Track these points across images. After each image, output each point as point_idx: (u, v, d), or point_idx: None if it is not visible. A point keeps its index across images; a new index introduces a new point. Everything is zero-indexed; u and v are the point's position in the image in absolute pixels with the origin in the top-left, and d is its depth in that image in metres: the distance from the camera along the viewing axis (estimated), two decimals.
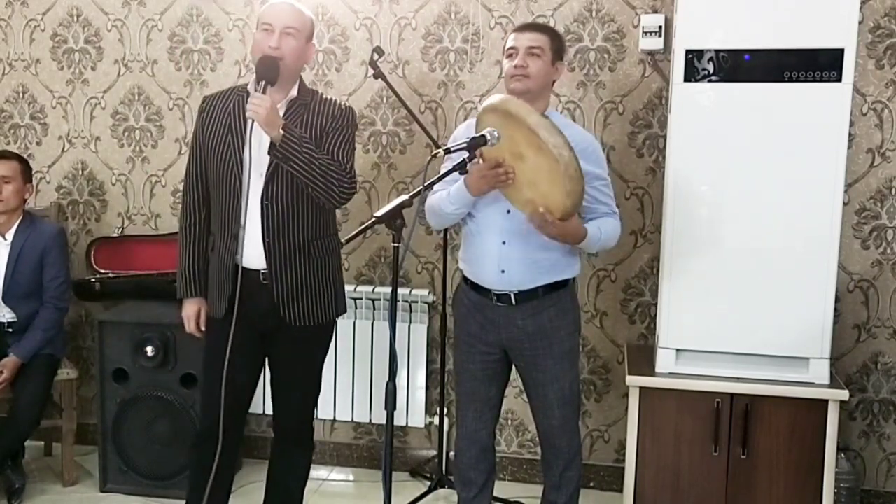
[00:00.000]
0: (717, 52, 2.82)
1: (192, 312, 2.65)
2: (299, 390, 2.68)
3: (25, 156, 3.61)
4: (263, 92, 2.38)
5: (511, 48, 2.58)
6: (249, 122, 2.39)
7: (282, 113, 2.48)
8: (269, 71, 2.42)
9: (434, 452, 3.63)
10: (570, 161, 2.27)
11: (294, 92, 2.54)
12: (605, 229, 2.56)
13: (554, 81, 2.66)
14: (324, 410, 3.65)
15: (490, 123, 2.35)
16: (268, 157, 2.42)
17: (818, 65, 2.76)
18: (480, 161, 2.42)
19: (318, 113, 2.54)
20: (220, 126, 2.54)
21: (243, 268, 2.50)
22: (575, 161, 2.28)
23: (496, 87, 3.44)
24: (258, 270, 2.51)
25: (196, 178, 2.62)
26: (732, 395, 2.88)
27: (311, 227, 2.55)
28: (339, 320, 3.58)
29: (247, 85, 2.58)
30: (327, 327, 2.68)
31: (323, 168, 2.43)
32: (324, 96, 2.61)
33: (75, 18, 3.81)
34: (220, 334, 2.56)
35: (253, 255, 2.50)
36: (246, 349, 2.52)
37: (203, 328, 2.65)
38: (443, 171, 2.43)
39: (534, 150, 2.30)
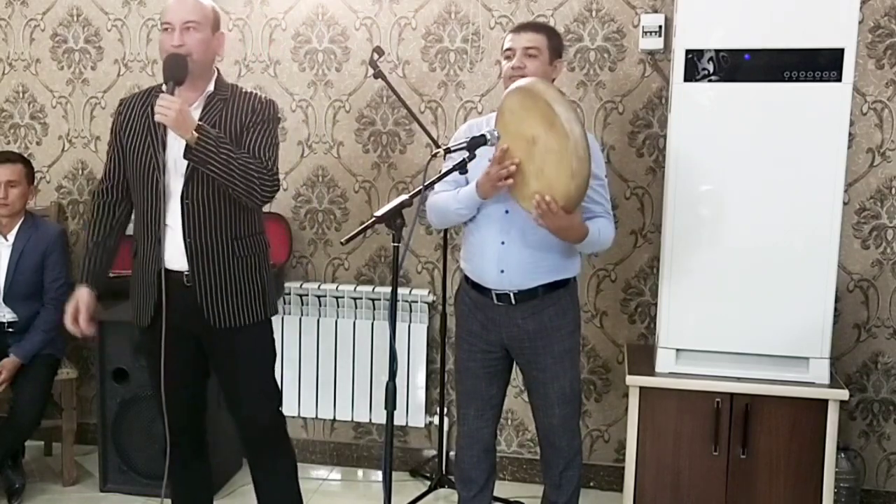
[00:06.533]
0: (717, 51, 2.82)
1: (78, 300, 2.49)
2: (252, 397, 2.57)
3: (26, 155, 3.62)
4: (172, 92, 2.30)
5: (508, 49, 2.58)
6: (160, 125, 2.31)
7: (199, 109, 2.43)
8: (175, 70, 2.33)
9: (434, 452, 3.64)
10: (579, 138, 2.26)
11: (211, 87, 2.46)
12: (602, 232, 2.55)
13: (553, 80, 2.66)
14: (324, 410, 3.66)
15: (513, 103, 2.37)
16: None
17: (818, 64, 2.76)
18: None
19: (238, 107, 2.45)
20: (138, 128, 2.46)
21: (167, 269, 2.42)
22: (584, 140, 2.27)
23: (496, 86, 3.44)
24: (181, 272, 2.44)
25: (115, 180, 2.53)
26: (732, 395, 2.88)
27: (233, 226, 2.46)
28: (340, 320, 3.64)
29: (161, 85, 2.44)
30: (261, 328, 2.58)
31: (242, 168, 2.33)
32: (243, 90, 2.52)
33: (75, 18, 3.82)
34: (151, 343, 2.47)
35: (175, 256, 2.43)
36: (181, 355, 2.47)
37: (83, 327, 2.48)
38: (443, 170, 2.44)
39: (546, 127, 2.30)
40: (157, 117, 2.26)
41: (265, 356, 2.62)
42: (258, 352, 2.59)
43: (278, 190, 2.49)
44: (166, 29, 2.40)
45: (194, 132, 2.26)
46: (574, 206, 2.37)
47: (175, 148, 2.37)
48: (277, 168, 2.48)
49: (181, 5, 2.40)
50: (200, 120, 2.35)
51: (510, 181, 2.40)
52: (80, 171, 3.89)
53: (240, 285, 2.49)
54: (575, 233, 2.45)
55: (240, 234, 2.49)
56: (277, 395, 2.65)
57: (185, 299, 2.43)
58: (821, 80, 2.77)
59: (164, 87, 2.36)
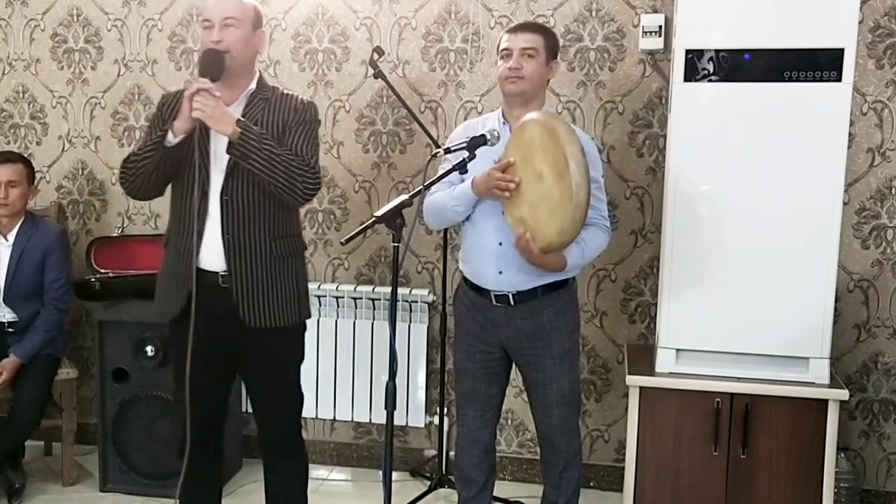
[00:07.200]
0: (717, 51, 2.82)
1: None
2: (277, 401, 2.57)
3: (26, 155, 3.61)
4: None
5: (505, 49, 2.58)
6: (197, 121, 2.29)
7: (241, 107, 2.42)
8: (212, 65, 2.33)
9: (434, 452, 3.63)
10: (580, 204, 2.29)
11: (253, 85, 2.46)
12: (588, 249, 2.55)
13: (549, 80, 2.66)
14: (324, 410, 3.66)
15: (535, 131, 2.37)
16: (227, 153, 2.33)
17: (818, 64, 2.76)
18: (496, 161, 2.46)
19: (280, 107, 2.45)
20: None
21: (201, 269, 2.39)
22: (584, 208, 2.30)
23: (496, 86, 3.43)
24: (217, 273, 2.41)
25: None
26: (732, 395, 2.88)
27: (273, 225, 2.44)
28: (340, 320, 3.64)
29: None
30: (294, 332, 2.56)
31: (285, 164, 2.32)
32: (284, 91, 2.52)
33: (75, 18, 3.82)
34: (178, 339, 2.43)
35: (212, 256, 2.40)
36: (209, 356, 2.44)
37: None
38: (442, 171, 2.44)
39: (555, 176, 2.31)
40: (195, 113, 2.27)
41: (294, 360, 2.60)
42: (288, 355, 2.57)
43: (320, 188, 2.47)
44: (206, 26, 2.39)
45: (236, 127, 2.27)
46: (551, 252, 2.41)
47: (214, 143, 2.37)
48: (319, 167, 2.47)
49: (221, 2, 2.40)
50: (242, 118, 2.35)
51: (507, 194, 2.42)
52: (80, 171, 3.89)
53: (277, 285, 2.46)
54: (551, 267, 2.49)
55: (279, 233, 2.47)
56: (301, 398, 2.64)
57: (219, 300, 2.40)
58: (821, 80, 2.77)
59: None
